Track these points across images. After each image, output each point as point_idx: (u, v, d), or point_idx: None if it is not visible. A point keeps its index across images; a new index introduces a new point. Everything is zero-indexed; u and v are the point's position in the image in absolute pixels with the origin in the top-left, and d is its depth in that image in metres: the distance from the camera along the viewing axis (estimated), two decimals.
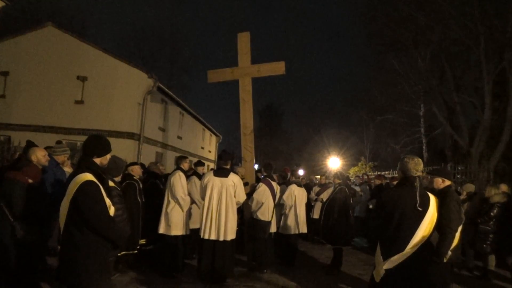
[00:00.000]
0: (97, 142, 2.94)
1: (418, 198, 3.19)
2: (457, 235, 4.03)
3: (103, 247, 2.79)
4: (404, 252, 3.12)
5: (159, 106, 15.82)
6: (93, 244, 2.71)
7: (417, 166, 3.32)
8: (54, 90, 13.56)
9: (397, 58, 17.75)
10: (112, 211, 2.85)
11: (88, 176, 2.70)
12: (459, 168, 12.87)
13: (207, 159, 23.52)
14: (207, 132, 26.46)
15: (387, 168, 20.40)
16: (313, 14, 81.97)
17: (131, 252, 5.72)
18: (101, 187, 2.75)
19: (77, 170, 2.78)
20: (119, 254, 5.63)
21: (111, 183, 3.30)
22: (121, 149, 12.44)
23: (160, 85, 14.39)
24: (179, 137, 18.95)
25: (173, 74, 37.69)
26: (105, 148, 2.96)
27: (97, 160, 2.87)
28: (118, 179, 3.53)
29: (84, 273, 2.67)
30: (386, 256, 3.20)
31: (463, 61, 15.85)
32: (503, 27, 13.23)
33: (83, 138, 14.84)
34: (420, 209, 3.18)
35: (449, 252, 3.90)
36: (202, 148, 24.77)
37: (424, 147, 21.87)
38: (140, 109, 13.56)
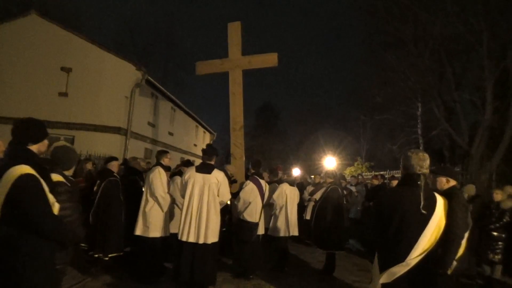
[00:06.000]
0: (29, 125, 2.47)
1: (422, 199, 2.72)
2: (463, 242, 3.59)
3: (47, 251, 2.37)
4: (405, 263, 2.66)
5: (148, 100, 15.28)
6: (34, 248, 2.28)
7: (421, 162, 2.86)
8: (36, 81, 12.92)
9: (395, 55, 17.34)
10: (56, 208, 2.43)
11: (25, 169, 2.25)
12: (458, 169, 12.50)
13: (200, 157, 23.02)
14: (201, 129, 25.98)
15: (384, 168, 20.04)
16: (310, 10, 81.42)
17: (115, 254, 5.42)
18: (42, 181, 2.31)
19: (9, 160, 2.30)
20: (106, 259, 5.34)
21: (59, 177, 2.80)
22: (107, 144, 11.98)
23: (150, 78, 13.83)
24: (171, 133, 18.45)
25: (169, 70, 37.34)
26: (41, 132, 2.51)
27: (34, 148, 2.43)
28: (69, 172, 3.02)
29: (25, 282, 2.24)
30: (384, 268, 2.75)
31: (464, 59, 15.46)
32: (506, 24, 12.82)
33: (67, 132, 13.95)
34: (424, 212, 2.72)
35: (454, 262, 3.46)
36: (195, 145, 24.26)
37: (421, 148, 21.47)
38: (128, 102, 13.02)
